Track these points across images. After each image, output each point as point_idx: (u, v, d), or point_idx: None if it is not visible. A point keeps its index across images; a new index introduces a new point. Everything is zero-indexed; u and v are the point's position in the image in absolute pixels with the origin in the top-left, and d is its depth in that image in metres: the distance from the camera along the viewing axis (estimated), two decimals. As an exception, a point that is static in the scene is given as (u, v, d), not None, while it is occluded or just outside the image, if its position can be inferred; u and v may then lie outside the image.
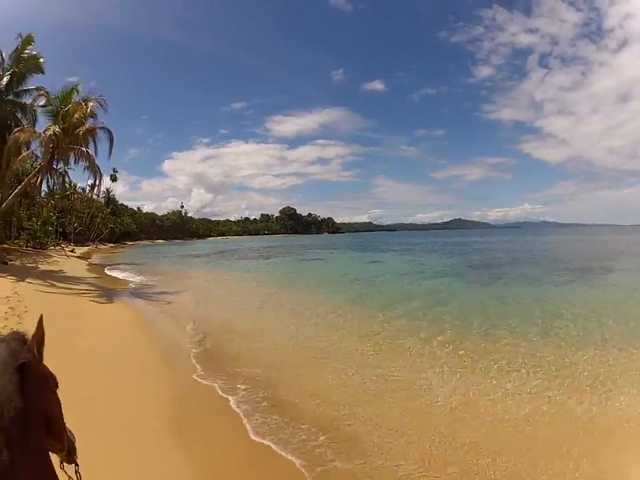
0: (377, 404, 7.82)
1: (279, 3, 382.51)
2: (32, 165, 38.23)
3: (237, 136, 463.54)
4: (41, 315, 1.57)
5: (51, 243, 55.46)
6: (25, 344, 1.48)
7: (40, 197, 61.40)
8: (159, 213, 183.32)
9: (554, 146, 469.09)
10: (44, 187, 69.97)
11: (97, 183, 31.78)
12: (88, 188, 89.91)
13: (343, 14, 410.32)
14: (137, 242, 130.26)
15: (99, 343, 11.70)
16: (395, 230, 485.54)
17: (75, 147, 28.97)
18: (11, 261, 33.54)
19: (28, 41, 33.59)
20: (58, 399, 1.61)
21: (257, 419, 7.16)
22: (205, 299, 21.44)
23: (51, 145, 28.81)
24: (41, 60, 34.09)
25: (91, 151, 29.90)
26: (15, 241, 48.13)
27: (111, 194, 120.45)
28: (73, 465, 1.78)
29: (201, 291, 24.37)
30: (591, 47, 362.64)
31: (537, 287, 23.06)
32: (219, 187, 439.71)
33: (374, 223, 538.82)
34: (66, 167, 64.03)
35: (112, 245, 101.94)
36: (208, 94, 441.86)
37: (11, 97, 34.47)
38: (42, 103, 32.02)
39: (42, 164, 30.84)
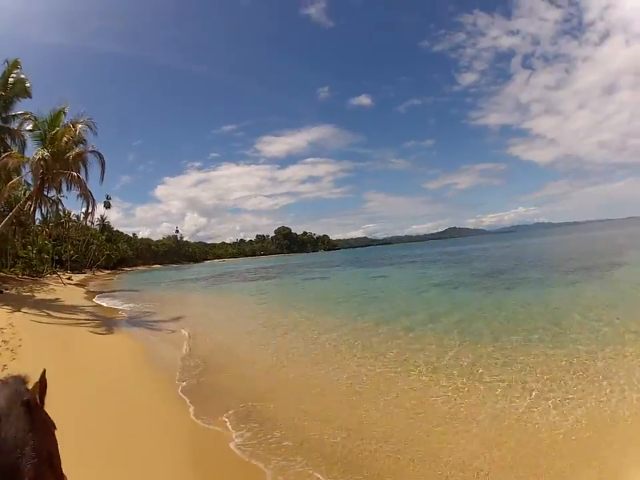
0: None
1: (263, 25, 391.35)
2: (24, 193, 37.86)
3: (227, 158, 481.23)
4: (44, 370, 1.53)
5: (47, 270, 54.83)
6: (26, 384, 1.43)
7: (34, 224, 61.12)
8: (154, 238, 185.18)
9: (542, 146, 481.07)
10: (38, 215, 71.79)
11: (90, 208, 31.08)
12: (82, 215, 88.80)
13: (325, 31, 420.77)
14: (134, 268, 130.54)
15: (98, 381, 11.14)
16: (391, 243, 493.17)
17: (66, 171, 28.58)
18: (6, 289, 33.12)
19: (15, 65, 33.66)
20: (56, 440, 1.55)
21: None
22: (206, 326, 20.81)
23: (41, 171, 28.48)
24: (28, 84, 34.12)
25: (82, 176, 29.61)
26: (11, 269, 47.67)
27: (106, 221, 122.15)
28: None
29: (200, 318, 23.71)
30: (573, 43, 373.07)
31: (547, 289, 23.02)
32: (213, 210, 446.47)
33: (369, 237, 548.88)
34: (59, 195, 64.78)
35: (109, 271, 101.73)
36: (198, 117, 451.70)
37: None
38: (29, 127, 31.72)
39: (32, 190, 30.42)
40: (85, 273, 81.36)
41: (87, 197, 30.19)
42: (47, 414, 1.56)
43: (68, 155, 29.21)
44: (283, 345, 15.15)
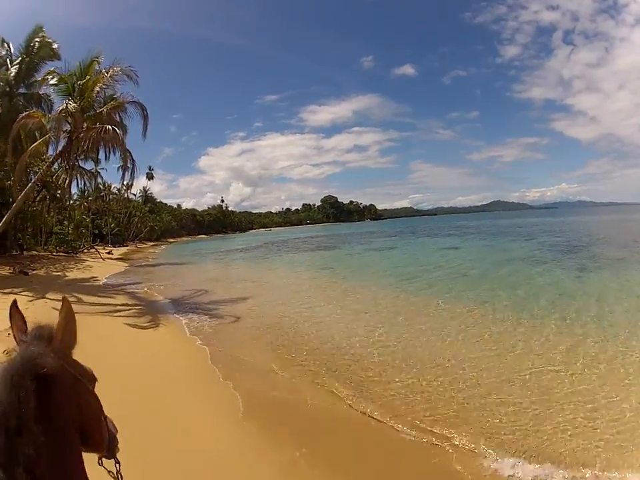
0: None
1: None
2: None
3: (272, 128, 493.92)
4: (65, 299, 1.43)
5: (84, 246, 51.43)
6: (49, 343, 1.35)
7: (70, 199, 59.34)
8: (199, 209, 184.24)
9: (585, 124, 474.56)
10: (75, 190, 70.00)
11: (128, 168, 26.15)
12: (122, 185, 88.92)
13: (366, 0, 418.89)
14: (178, 239, 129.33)
15: (141, 407, 7.07)
16: (436, 214, 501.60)
17: (99, 127, 23.75)
18: (34, 270, 29.34)
19: (37, 30, 30.44)
20: (95, 397, 1.53)
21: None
22: (283, 313, 15.73)
23: (67, 128, 23.88)
24: (55, 45, 29.89)
25: (120, 134, 24.70)
26: (45, 247, 44.45)
27: (148, 192, 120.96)
28: (114, 461, 1.73)
29: (271, 302, 18.62)
30: (610, 22, 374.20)
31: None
32: (257, 179, 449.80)
33: (414, 207, 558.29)
34: (97, 167, 61.81)
35: (152, 243, 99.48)
36: (240, 88, 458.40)
37: (22, 90, 31.30)
38: (54, 81, 26.80)
39: (56, 153, 25.85)
40: (127, 246, 78.82)
41: (125, 157, 25.35)
42: (79, 370, 1.45)
43: (102, 109, 24.60)
44: (419, 349, 10.52)
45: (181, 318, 15.39)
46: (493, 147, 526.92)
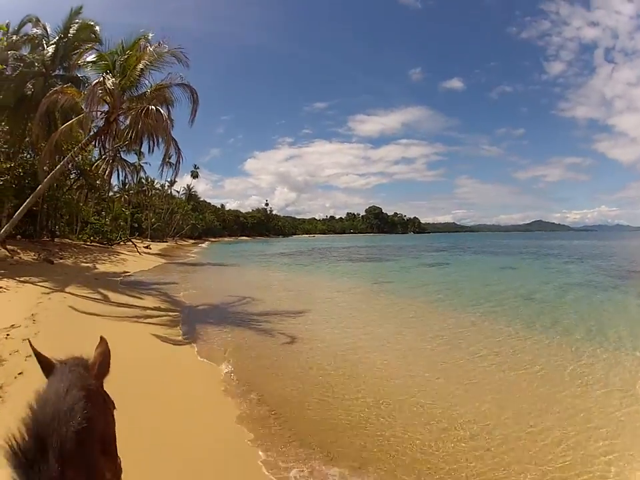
0: None
1: (350, 4, 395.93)
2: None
3: (320, 135, 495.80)
4: (104, 340, 1.82)
5: (121, 238, 49.36)
6: (87, 369, 1.63)
7: (109, 190, 57.90)
8: (243, 211, 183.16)
9: (625, 144, 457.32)
10: (116, 181, 68.98)
11: (170, 159, 23.40)
12: (167, 184, 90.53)
13: (413, 12, 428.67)
14: (220, 238, 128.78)
15: None
16: (478, 231, 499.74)
17: (138, 106, 21.01)
18: (62, 258, 27.08)
19: (76, 12, 27.93)
20: (114, 419, 1.76)
21: None
22: (347, 343, 12.14)
23: (105, 110, 21.33)
24: (97, 28, 27.20)
25: (165, 117, 21.77)
26: (79, 236, 42.52)
27: (192, 190, 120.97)
28: None
29: (327, 320, 15.31)
30: None
31: None
32: (303, 185, 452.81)
33: (457, 223, 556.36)
34: (140, 162, 60.22)
35: (193, 241, 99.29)
36: (290, 94, 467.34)
37: (59, 72, 28.73)
38: (92, 57, 23.99)
39: (92, 135, 23.17)
40: (166, 242, 77.57)
41: (168, 144, 22.45)
42: (106, 395, 1.75)
43: (146, 90, 22.14)
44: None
45: (221, 333, 12.20)
46: (537, 166, 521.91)
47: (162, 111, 21.19)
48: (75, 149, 22.47)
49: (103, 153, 29.55)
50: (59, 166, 22.00)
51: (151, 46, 21.52)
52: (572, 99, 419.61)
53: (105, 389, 1.71)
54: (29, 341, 1.72)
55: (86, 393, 1.42)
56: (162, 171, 24.19)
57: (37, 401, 1.34)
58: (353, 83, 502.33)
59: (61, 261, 26.34)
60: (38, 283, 16.95)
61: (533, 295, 20.91)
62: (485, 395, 7.93)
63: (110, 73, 21.26)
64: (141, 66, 21.05)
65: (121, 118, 22.02)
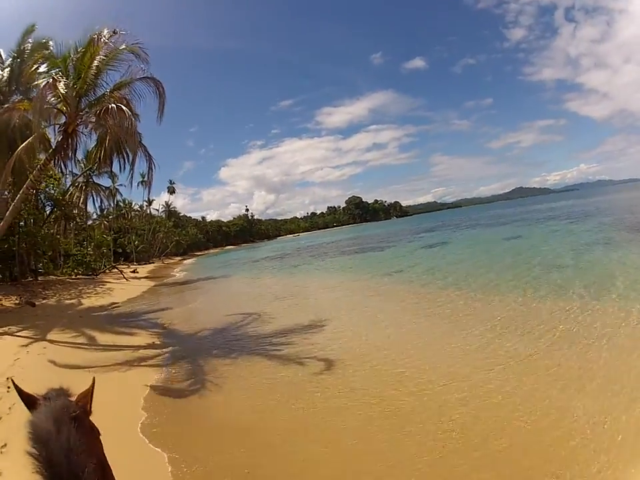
0: None
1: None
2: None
3: (289, 134, 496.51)
4: (94, 379, 1.88)
5: (105, 266, 46.87)
6: (70, 398, 1.72)
7: (86, 218, 57.60)
8: (224, 220, 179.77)
9: (597, 101, 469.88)
10: (92, 209, 66.62)
11: (144, 175, 21.20)
12: (145, 204, 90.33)
13: None
14: (206, 251, 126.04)
15: None
16: (460, 206, 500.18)
17: (98, 107, 18.72)
18: (45, 298, 24.70)
19: (29, 30, 25.82)
20: (102, 446, 1.79)
21: None
22: (390, 362, 9.76)
23: (63, 121, 19.01)
24: (51, 42, 24.53)
25: (129, 121, 19.29)
26: (63, 270, 39.91)
27: (172, 207, 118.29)
28: None
29: (351, 329, 13.33)
30: None
31: None
32: (280, 186, 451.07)
33: (438, 202, 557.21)
34: (114, 185, 57.71)
35: (179, 257, 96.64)
36: (253, 96, 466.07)
37: (17, 97, 25.85)
38: (44, 67, 21.55)
39: (52, 150, 20.74)
40: (153, 263, 75.41)
41: (134, 148, 20.25)
42: (92, 422, 1.79)
43: (105, 92, 19.53)
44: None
45: (235, 368, 10.05)
46: (510, 133, 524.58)
47: (124, 108, 18.87)
48: (34, 172, 20.09)
49: (64, 172, 26.98)
50: (19, 195, 19.64)
51: (106, 40, 19.13)
52: (537, 62, 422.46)
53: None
54: (12, 380, 1.85)
55: (75, 420, 1.46)
56: (131, 177, 21.68)
57: (36, 441, 1.36)
58: (315, 76, 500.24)
59: (44, 301, 23.90)
60: (17, 333, 14.67)
61: (559, 261, 19.46)
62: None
63: (62, 76, 18.86)
64: (96, 63, 18.37)
65: (81, 129, 19.62)
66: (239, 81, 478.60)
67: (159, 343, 13.68)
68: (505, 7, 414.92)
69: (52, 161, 20.74)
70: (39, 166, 20.28)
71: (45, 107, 17.67)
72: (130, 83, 19.74)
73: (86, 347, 13.50)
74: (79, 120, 19.02)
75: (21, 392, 1.67)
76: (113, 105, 18.29)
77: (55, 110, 19.02)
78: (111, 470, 1.72)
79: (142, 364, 11.06)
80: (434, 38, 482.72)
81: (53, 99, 18.08)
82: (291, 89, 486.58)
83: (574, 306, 11.32)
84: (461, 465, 5.19)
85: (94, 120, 18.96)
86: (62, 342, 13.83)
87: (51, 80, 17.53)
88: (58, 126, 19.43)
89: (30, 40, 25.33)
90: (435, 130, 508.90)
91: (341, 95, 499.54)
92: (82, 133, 19.86)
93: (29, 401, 1.63)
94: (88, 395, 1.78)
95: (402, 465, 5.39)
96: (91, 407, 1.76)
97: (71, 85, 18.48)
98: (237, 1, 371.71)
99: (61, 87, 17.67)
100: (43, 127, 20.42)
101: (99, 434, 1.77)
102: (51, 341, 13.83)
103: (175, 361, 11.10)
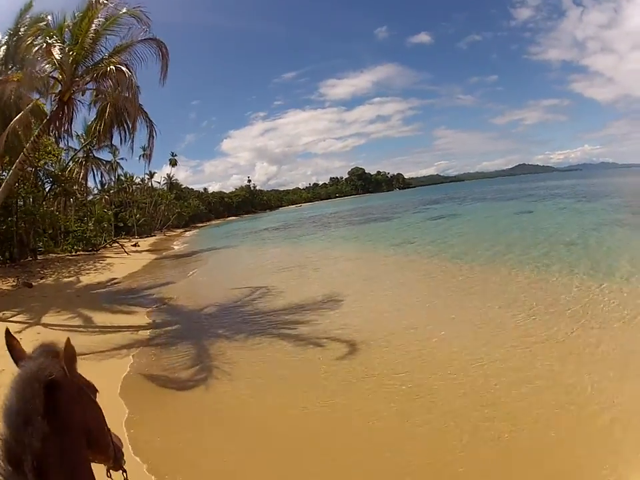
0: None
1: None
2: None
3: (292, 105, 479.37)
4: (68, 339, 1.48)
5: (106, 241, 45.66)
6: (57, 357, 1.46)
7: (87, 194, 55.77)
8: (226, 191, 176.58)
9: (602, 84, 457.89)
10: (93, 184, 65.09)
11: (147, 136, 19.77)
12: (146, 177, 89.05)
13: None
14: (208, 223, 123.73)
15: None
16: (463, 180, 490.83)
17: (96, 71, 17.26)
18: (43, 277, 23.71)
19: (26, 8, 23.62)
20: (98, 407, 1.63)
21: None
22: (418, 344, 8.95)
23: (58, 89, 17.59)
24: (49, 17, 22.88)
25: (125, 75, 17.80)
26: (63, 247, 39.01)
27: (173, 179, 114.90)
28: (121, 471, 1.79)
29: (368, 304, 12.31)
30: None
31: None
32: (282, 157, 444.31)
33: (441, 175, 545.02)
34: (116, 159, 56.22)
35: (181, 229, 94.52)
36: (256, 69, 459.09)
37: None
38: (40, 39, 20.00)
39: (47, 120, 19.28)
40: (154, 236, 73.77)
41: (134, 115, 18.86)
42: (82, 379, 1.57)
43: (103, 57, 17.86)
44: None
45: (245, 351, 8.89)
46: (515, 110, 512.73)
47: (123, 68, 17.35)
48: (27, 145, 18.74)
49: (58, 142, 25.52)
50: (11, 170, 18.39)
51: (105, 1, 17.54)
52: (543, 42, 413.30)
53: (80, 373, 1.54)
54: (7, 330, 1.55)
55: (52, 384, 1.32)
56: (132, 141, 20.37)
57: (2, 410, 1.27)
58: (319, 50, 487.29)
59: (42, 281, 22.76)
60: (11, 319, 13.62)
61: (569, 237, 18.97)
62: None
63: (58, 41, 17.32)
64: (94, 27, 16.94)
65: (77, 97, 18.13)
66: (242, 55, 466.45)
67: (160, 321, 12.56)
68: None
69: (47, 132, 19.40)
70: (32, 138, 18.85)
71: (38, 71, 16.33)
72: (130, 45, 18.13)
73: (82, 329, 12.39)
74: (75, 87, 17.58)
75: (11, 346, 1.47)
76: (112, 67, 16.85)
77: (51, 79, 17.66)
78: (104, 437, 1.59)
79: (141, 347, 9.92)
80: (440, 13, 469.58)
81: (47, 65, 16.65)
82: (294, 61, 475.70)
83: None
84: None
85: (91, 87, 17.52)
86: (57, 325, 12.73)
87: (45, 45, 16.11)
88: (54, 95, 18.02)
89: (28, 16, 23.88)
90: (439, 104, 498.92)
91: (346, 68, 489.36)
92: (79, 101, 18.54)
93: (17, 356, 1.44)
94: (67, 355, 1.43)
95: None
96: (73, 368, 1.45)
97: (67, 50, 17.04)
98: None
99: (56, 52, 16.20)
100: (38, 98, 19.04)
101: (95, 391, 1.60)
102: (46, 325, 12.76)
103: (177, 343, 9.96)
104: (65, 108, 18.06)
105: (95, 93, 18.65)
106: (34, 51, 16.96)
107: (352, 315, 10.46)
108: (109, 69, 16.90)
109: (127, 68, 17.94)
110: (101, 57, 18.11)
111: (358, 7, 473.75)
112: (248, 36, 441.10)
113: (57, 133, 19.99)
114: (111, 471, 1.75)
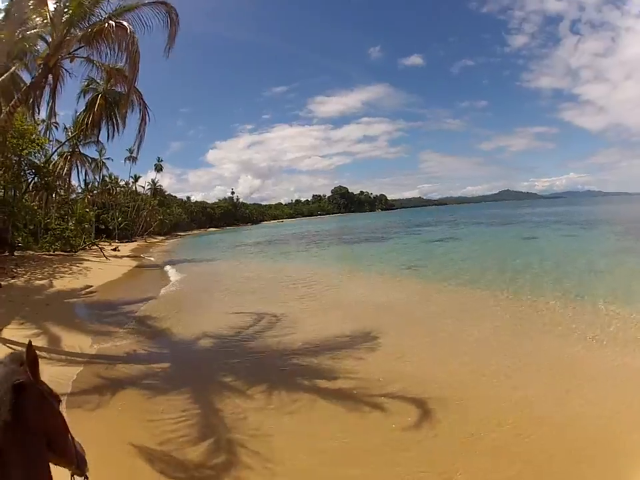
0: None
1: None
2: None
3: (280, 120, 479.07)
4: (29, 342, 1.55)
5: (85, 243, 42.55)
6: (21, 364, 1.51)
7: (69, 191, 52.64)
8: (208, 202, 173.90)
9: (593, 113, 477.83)
10: (77, 182, 62.09)
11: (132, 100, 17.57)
12: (131, 180, 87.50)
13: None
14: (188, 232, 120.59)
15: None
16: (446, 203, 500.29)
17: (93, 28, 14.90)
18: (14, 277, 21.02)
19: None
20: (60, 414, 1.67)
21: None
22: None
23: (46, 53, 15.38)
24: None
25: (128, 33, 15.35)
26: (41, 245, 36.33)
27: (158, 185, 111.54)
28: (83, 478, 1.81)
29: (410, 345, 9.97)
30: (616, 12, 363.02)
31: None
32: (267, 171, 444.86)
33: (424, 197, 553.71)
34: (102, 158, 53.23)
35: (162, 237, 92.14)
36: (247, 81, 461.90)
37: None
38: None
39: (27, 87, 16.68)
40: (135, 241, 71.44)
41: (128, 94, 16.53)
42: (45, 386, 1.61)
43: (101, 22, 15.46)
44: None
45: (274, 410, 6.18)
46: (502, 137, 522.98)
47: (124, 23, 14.83)
48: (1, 116, 16.04)
49: (34, 115, 23.28)
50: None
51: None
52: (536, 69, 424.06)
53: (43, 381, 1.59)
54: None
55: (18, 387, 1.38)
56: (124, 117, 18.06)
57: None
58: (311, 66, 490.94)
59: (13, 280, 19.90)
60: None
61: (592, 267, 18.02)
62: None
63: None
64: None
65: (65, 64, 15.67)
66: (233, 66, 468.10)
67: (143, 352, 9.84)
68: (510, 14, 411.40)
69: (24, 102, 16.75)
70: (8, 108, 16.09)
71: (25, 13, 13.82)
72: (136, 7, 15.71)
73: (45, 353, 9.66)
74: (64, 51, 15.05)
75: None
76: (111, 22, 14.38)
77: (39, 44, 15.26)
78: (65, 442, 1.64)
79: (124, 396, 7.22)
80: (434, 37, 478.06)
81: (38, 18, 14.15)
82: (285, 75, 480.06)
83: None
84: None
85: (83, 54, 15.02)
86: (17, 343, 9.90)
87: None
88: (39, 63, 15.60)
89: None
90: (426, 127, 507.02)
91: (336, 86, 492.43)
92: (66, 70, 16.08)
93: None
94: (30, 360, 1.50)
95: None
96: (36, 373, 1.51)
97: (62, 7, 14.61)
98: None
99: (50, 4, 13.72)
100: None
101: (58, 400, 1.65)
102: (4, 341, 10.04)
103: (168, 390, 7.31)
104: (50, 75, 15.69)
105: (87, 83, 16.00)
106: None
107: (396, 358, 8.07)
108: (107, 24, 14.48)
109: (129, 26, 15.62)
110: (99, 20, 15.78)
111: (353, 25, 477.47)
112: (241, 47, 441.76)
113: (36, 103, 17.38)
114: (75, 476, 1.76)
